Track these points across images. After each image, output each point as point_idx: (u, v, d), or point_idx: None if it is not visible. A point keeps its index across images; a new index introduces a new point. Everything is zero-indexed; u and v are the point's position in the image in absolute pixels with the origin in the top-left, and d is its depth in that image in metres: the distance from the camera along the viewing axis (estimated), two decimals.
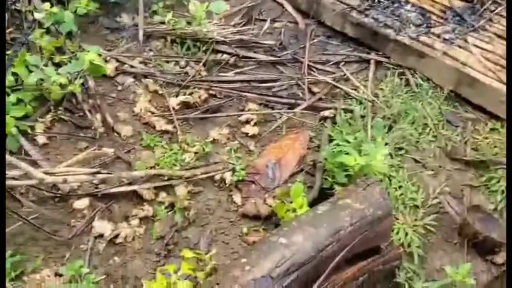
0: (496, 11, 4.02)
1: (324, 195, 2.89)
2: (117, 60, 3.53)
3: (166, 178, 2.83)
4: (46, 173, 2.42)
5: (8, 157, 2.22)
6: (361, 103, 3.49)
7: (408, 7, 4.02)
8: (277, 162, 3.07)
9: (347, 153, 2.93)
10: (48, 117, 3.03)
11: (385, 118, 3.32)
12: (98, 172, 2.49)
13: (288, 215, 2.63)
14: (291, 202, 2.73)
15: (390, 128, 3.29)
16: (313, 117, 3.41)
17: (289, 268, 2.21)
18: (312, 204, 2.68)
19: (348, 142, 3.18)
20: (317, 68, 3.75)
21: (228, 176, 2.93)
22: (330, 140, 3.20)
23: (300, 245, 2.27)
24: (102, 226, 2.54)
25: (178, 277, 2.24)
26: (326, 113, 3.39)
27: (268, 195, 2.91)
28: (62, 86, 3.07)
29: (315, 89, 3.59)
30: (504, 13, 3.98)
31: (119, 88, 3.39)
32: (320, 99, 3.51)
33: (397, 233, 2.72)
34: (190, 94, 3.40)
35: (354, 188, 2.59)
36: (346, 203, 2.47)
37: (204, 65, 3.61)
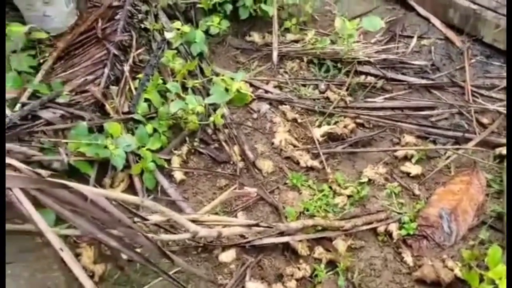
0: None
1: None
2: (251, 85, 3.15)
3: (320, 228, 2.37)
4: (194, 221, 2.04)
5: (158, 206, 1.87)
6: None
7: None
8: (452, 211, 2.50)
9: None
10: (184, 149, 2.69)
11: None
12: (257, 225, 2.07)
13: None
14: (480, 267, 2.17)
15: None
16: (485, 155, 2.81)
17: None
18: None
19: None
20: (481, 94, 3.14)
21: (394, 229, 2.41)
22: None
23: None
24: None
25: None
26: (503, 150, 2.77)
27: (446, 255, 2.35)
28: (197, 114, 2.73)
29: (483, 120, 2.98)
30: None
31: (255, 116, 3.00)
32: (492, 132, 2.89)
33: None
34: (335, 123, 2.93)
35: None
36: None
37: (347, 89, 3.13)
